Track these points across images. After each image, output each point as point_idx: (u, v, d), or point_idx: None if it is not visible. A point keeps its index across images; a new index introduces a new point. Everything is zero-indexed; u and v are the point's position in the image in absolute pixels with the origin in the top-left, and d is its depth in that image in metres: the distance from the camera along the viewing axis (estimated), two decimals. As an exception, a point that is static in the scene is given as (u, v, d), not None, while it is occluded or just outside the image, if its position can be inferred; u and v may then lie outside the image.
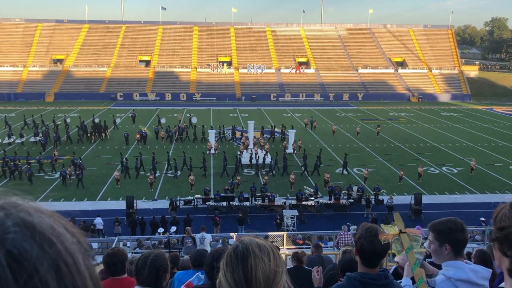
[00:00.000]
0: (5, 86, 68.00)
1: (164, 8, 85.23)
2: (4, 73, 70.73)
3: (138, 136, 38.65)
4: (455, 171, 32.01)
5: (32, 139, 38.44)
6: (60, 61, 74.94)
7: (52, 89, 68.35)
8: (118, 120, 47.23)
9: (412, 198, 24.16)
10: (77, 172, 27.97)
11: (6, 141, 37.85)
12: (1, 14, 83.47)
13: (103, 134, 40.64)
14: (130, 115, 50.78)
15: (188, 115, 48.92)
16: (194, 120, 45.29)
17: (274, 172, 30.57)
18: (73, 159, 30.21)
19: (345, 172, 30.71)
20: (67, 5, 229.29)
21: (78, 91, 68.14)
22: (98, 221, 20.66)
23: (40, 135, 38.57)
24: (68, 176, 28.48)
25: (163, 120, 45.13)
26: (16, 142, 37.80)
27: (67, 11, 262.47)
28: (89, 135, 39.91)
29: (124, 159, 29.97)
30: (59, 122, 44.76)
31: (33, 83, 69.49)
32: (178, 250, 14.73)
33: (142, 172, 29.96)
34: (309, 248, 14.21)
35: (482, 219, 20.27)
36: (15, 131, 40.59)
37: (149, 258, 3.33)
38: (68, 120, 43.89)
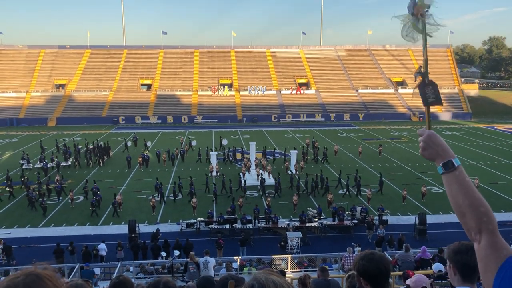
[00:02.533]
0: (8, 112, 68.47)
1: (165, 33, 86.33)
2: (7, 99, 71.30)
3: (140, 159, 38.67)
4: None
5: (63, 163, 38.55)
6: (63, 86, 75.60)
7: (55, 114, 68.75)
8: (148, 144, 47.32)
9: (417, 218, 23.96)
10: (93, 199, 27.71)
11: (37, 165, 37.92)
12: (4, 41, 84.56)
13: (104, 157, 40.62)
14: (132, 138, 50.94)
15: (189, 137, 49.17)
16: (194, 143, 45.66)
17: (279, 193, 30.40)
18: (93, 187, 29.73)
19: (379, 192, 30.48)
20: (69, 31, 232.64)
21: (80, 116, 68.51)
22: (102, 247, 20.46)
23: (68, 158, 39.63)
24: (70, 201, 28.39)
25: (148, 143, 46.20)
26: (48, 166, 37.68)
27: (70, 37, 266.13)
28: (96, 157, 40.31)
29: (159, 184, 29.77)
30: (80, 146, 44.87)
31: (36, 108, 69.96)
32: (181, 275, 14.55)
33: (180, 197, 29.56)
34: (314, 270, 14.02)
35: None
36: (47, 156, 40.93)
37: (160, 284, 3.27)
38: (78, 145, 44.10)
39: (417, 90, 2.18)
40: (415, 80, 2.17)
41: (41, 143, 45.38)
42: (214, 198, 28.89)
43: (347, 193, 30.55)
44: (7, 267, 18.24)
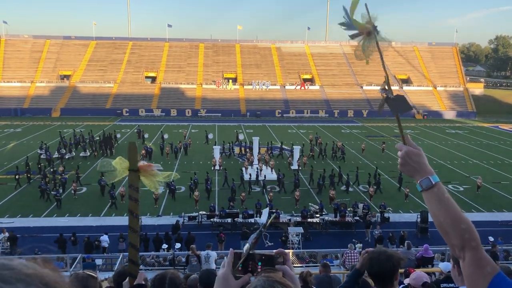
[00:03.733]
0: (13, 102, 68.68)
1: (170, 26, 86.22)
2: (12, 88, 71.48)
3: (143, 152, 38.73)
4: (461, 188, 31.79)
5: (82, 154, 39.39)
6: (67, 77, 75.69)
7: (59, 105, 68.90)
8: (146, 136, 47.11)
9: (418, 216, 23.95)
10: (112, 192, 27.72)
11: (56, 155, 38.25)
12: (10, 31, 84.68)
13: (108, 150, 40.70)
14: (135, 130, 50.98)
15: (205, 131, 48.97)
16: (210, 136, 45.57)
17: (284, 188, 30.40)
18: (100, 180, 29.44)
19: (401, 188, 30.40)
20: (75, 22, 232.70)
21: (84, 107, 68.63)
22: (105, 239, 20.56)
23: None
24: (73, 192, 28.53)
25: (165, 136, 45.37)
26: (66, 157, 38.22)
27: (75, 28, 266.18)
28: (101, 148, 40.60)
29: (196, 177, 29.63)
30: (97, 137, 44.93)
31: (40, 98, 70.13)
32: (183, 267, 14.62)
33: (197, 193, 28.43)
34: (315, 266, 14.06)
35: (491, 238, 20.02)
36: (52, 147, 40.84)
37: (166, 277, 3.29)
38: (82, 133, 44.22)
39: (383, 105, 2.08)
40: (382, 96, 2.12)
41: (61, 134, 45.47)
42: (207, 194, 28.69)
43: (349, 189, 30.57)
44: (11, 256, 18.34)
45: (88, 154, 39.67)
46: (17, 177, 30.52)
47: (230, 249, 1.79)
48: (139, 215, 2.06)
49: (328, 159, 39.68)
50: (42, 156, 37.26)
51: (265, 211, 1.67)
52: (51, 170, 32.99)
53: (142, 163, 2.05)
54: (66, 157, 38.41)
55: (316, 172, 32.52)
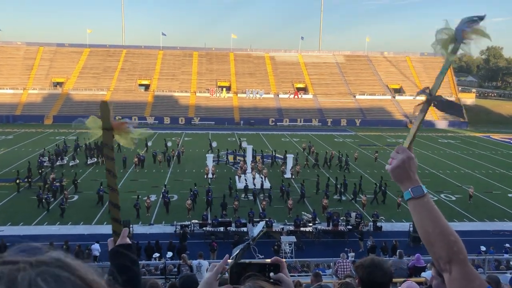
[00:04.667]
0: (5, 109, 68.20)
1: (164, 34, 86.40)
2: (4, 95, 71.02)
3: (136, 159, 38.58)
4: (454, 198, 31.94)
5: (89, 161, 39.12)
6: (60, 84, 75.38)
7: (51, 112, 68.53)
8: (169, 144, 46.31)
9: (411, 225, 23.99)
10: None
11: (58, 163, 38.45)
12: (3, 37, 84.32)
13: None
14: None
15: (208, 139, 48.83)
16: (214, 144, 45.49)
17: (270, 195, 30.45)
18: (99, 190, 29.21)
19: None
20: (68, 29, 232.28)
21: (77, 114, 68.19)
22: (95, 247, 20.38)
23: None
24: (65, 200, 28.30)
25: (169, 144, 45.48)
26: (70, 164, 38.21)
27: (69, 35, 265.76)
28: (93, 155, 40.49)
29: (195, 188, 29.23)
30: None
31: (33, 105, 69.73)
32: (174, 277, 14.51)
33: (189, 201, 27.88)
34: (307, 275, 14.02)
35: (483, 248, 20.10)
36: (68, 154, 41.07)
37: (146, 285, 3.27)
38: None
39: (419, 106, 2.07)
40: (419, 96, 2.08)
41: (65, 141, 45.21)
42: (206, 205, 28.18)
43: (341, 198, 30.61)
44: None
45: (78, 162, 39.15)
46: (18, 181, 30.77)
47: (226, 255, 1.80)
48: (116, 173, 2.07)
49: (321, 168, 39.74)
50: (46, 164, 37.18)
51: (260, 225, 1.65)
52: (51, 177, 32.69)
53: (115, 121, 2.04)
54: (71, 164, 38.32)
55: (309, 181, 32.55)
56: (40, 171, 35.08)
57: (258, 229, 1.90)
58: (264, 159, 41.09)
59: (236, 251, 1.75)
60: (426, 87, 2.06)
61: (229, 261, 1.74)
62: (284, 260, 1.77)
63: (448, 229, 1.77)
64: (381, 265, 3.00)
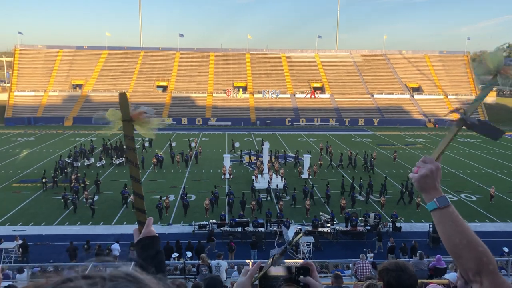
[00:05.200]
0: (27, 111, 69.60)
1: (181, 35, 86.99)
2: (25, 97, 72.48)
3: (154, 160, 38.94)
4: (474, 198, 31.40)
5: (117, 161, 39.82)
6: (80, 86, 76.59)
7: (71, 114, 69.66)
8: (193, 144, 47.00)
9: (431, 226, 23.68)
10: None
11: (86, 163, 39.21)
12: (24, 41, 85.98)
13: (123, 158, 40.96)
14: (146, 139, 51.32)
15: (231, 140, 49.04)
16: (237, 144, 45.68)
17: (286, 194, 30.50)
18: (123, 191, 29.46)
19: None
20: (87, 32, 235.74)
21: (96, 116, 69.13)
22: (115, 247, 20.65)
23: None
24: (85, 200, 28.69)
25: (193, 144, 46.29)
26: (97, 165, 38.81)
27: (88, 38, 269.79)
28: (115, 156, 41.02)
29: (216, 191, 29.24)
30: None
31: (53, 107, 71.00)
32: (194, 277, 14.61)
33: (207, 201, 28.00)
34: (326, 276, 13.96)
35: (505, 249, 19.73)
36: (95, 155, 41.55)
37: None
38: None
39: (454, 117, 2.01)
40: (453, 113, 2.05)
41: (92, 143, 46.02)
42: (228, 207, 28.01)
43: (361, 198, 30.37)
44: (22, 264, 18.50)
45: (92, 162, 39.64)
46: (44, 180, 31.73)
47: (259, 261, 1.82)
48: (139, 164, 2.09)
49: (339, 169, 39.50)
50: (74, 164, 37.93)
51: (292, 228, 1.65)
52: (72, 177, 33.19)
53: (134, 112, 2.06)
54: (98, 165, 38.87)
55: (326, 182, 32.35)
56: (65, 170, 35.98)
57: (292, 231, 1.91)
58: (280, 159, 41.02)
59: (272, 255, 1.78)
60: (461, 108, 2.03)
61: (267, 263, 1.77)
62: (313, 263, 1.79)
63: (475, 239, 1.74)
64: (407, 268, 2.98)
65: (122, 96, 2.01)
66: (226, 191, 29.55)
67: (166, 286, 1.02)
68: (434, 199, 1.84)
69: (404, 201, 29.67)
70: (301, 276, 1.72)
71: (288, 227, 23.90)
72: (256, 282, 1.72)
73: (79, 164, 38.94)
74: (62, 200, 28.40)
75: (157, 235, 2.03)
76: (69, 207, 28.00)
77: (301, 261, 1.80)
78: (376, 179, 33.69)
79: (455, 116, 2.02)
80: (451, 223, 1.78)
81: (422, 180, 1.88)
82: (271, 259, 1.76)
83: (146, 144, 47.19)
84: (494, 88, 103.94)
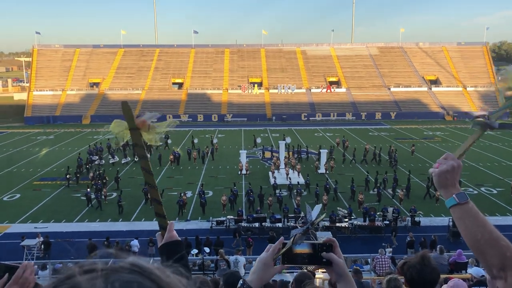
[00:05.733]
0: (45, 110, 70.71)
1: (196, 32, 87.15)
2: (44, 97, 73.61)
3: (171, 157, 39.21)
4: (495, 191, 30.87)
5: (137, 159, 39.69)
6: (97, 84, 77.44)
7: (89, 112, 70.54)
8: (215, 141, 46.95)
9: (451, 220, 23.35)
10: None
11: (112, 160, 39.64)
12: (42, 41, 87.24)
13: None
14: (167, 136, 51.70)
15: (253, 135, 49.16)
16: (259, 140, 45.74)
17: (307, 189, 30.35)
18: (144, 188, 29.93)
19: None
20: (103, 31, 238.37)
21: (113, 113, 69.84)
22: (134, 243, 20.89)
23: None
24: (103, 197, 29.02)
25: (215, 140, 46.38)
26: (122, 162, 39.34)
27: (104, 37, 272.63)
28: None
29: (235, 188, 29.13)
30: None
31: (71, 106, 71.98)
32: (212, 272, 14.69)
33: (225, 197, 28.11)
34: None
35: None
36: (118, 152, 41.83)
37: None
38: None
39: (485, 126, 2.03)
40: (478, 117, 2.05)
41: (109, 140, 46.70)
42: (248, 204, 27.74)
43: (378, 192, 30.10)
44: (45, 261, 18.85)
45: (117, 160, 40.17)
46: (68, 176, 32.56)
47: (282, 237, 1.88)
48: (152, 171, 2.08)
49: (357, 163, 39.22)
50: (96, 162, 38.62)
51: (317, 208, 1.63)
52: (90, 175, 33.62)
53: (138, 119, 2.05)
54: (122, 162, 39.34)
55: (343, 176, 32.17)
56: (87, 167, 36.57)
57: (315, 212, 1.91)
58: (301, 154, 40.87)
59: (294, 235, 1.81)
60: (486, 114, 2.03)
61: (289, 242, 1.82)
62: (336, 240, 1.83)
63: (497, 234, 1.72)
64: (429, 262, 2.93)
65: (124, 105, 2.00)
66: (246, 189, 29.33)
67: (177, 274, 0.96)
68: (453, 195, 1.83)
69: (430, 196, 29.29)
70: (324, 253, 1.77)
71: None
72: (279, 258, 1.78)
73: (103, 161, 39.41)
74: (85, 198, 28.74)
75: (180, 239, 2.03)
76: (94, 206, 28.31)
77: (325, 238, 1.83)
78: (392, 173, 33.33)
79: (479, 120, 2.04)
80: (471, 218, 1.77)
81: (443, 175, 1.88)
82: (292, 238, 1.78)
83: (169, 141, 47.35)
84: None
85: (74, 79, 77.75)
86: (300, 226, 1.92)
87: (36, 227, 24.79)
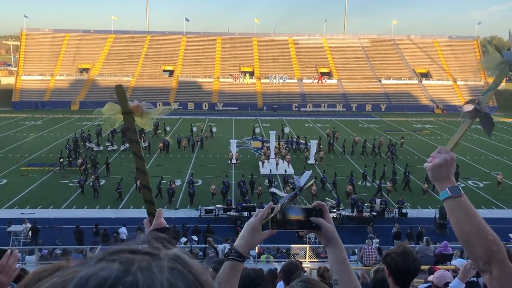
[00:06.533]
0: (34, 95, 69.84)
1: (187, 20, 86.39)
2: (33, 81, 72.66)
3: (161, 145, 39.04)
4: (481, 185, 31.27)
5: (122, 147, 39.28)
6: (86, 70, 76.59)
7: (78, 98, 69.82)
8: (214, 130, 47.37)
9: (437, 212, 23.66)
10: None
11: (110, 148, 39.16)
12: (30, 25, 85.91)
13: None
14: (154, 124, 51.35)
15: (253, 125, 48.99)
16: (257, 130, 45.71)
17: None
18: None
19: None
20: (94, 16, 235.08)
21: (103, 100, 69.07)
22: (123, 231, 20.84)
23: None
24: (91, 184, 28.82)
25: (214, 129, 46.65)
26: (108, 149, 38.83)
27: (94, 22, 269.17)
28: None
29: (227, 180, 28.61)
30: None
31: (60, 91, 71.16)
32: (200, 261, 14.73)
33: (214, 186, 27.90)
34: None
35: None
36: (103, 140, 41.41)
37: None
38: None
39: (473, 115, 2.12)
40: (466, 106, 2.12)
41: (98, 127, 46.31)
42: (242, 197, 26.81)
43: (366, 184, 30.34)
44: (32, 246, 18.77)
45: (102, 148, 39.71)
46: (61, 160, 32.87)
47: (270, 202, 1.88)
48: (143, 156, 2.07)
49: (346, 155, 39.40)
50: (95, 149, 38.55)
51: (306, 174, 1.61)
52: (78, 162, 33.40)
53: (133, 104, 2.03)
54: (95, 149, 38.92)
55: (333, 167, 32.27)
56: (79, 151, 36.67)
57: (304, 178, 1.91)
58: (292, 145, 40.95)
59: (282, 201, 1.82)
60: (475, 98, 2.13)
61: (276, 207, 1.85)
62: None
63: (485, 228, 1.76)
64: (412, 252, 2.99)
65: (119, 88, 1.97)
66: (238, 181, 28.92)
67: (210, 274, 0.90)
68: (447, 188, 1.85)
69: (410, 188, 29.56)
70: (313, 217, 1.79)
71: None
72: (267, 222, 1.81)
73: (101, 147, 39.25)
74: (79, 185, 28.54)
75: (168, 226, 2.01)
76: (85, 192, 28.11)
77: (314, 203, 1.86)
78: (382, 165, 33.55)
79: (469, 107, 2.11)
80: (462, 212, 1.80)
81: (436, 169, 1.91)
82: (280, 205, 1.79)
83: (168, 128, 47.24)
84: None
85: (64, 64, 76.76)
86: (288, 192, 1.94)
87: (23, 213, 24.60)
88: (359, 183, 30.63)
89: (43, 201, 26.96)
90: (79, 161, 33.10)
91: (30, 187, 29.40)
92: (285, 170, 31.47)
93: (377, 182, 29.54)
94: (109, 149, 38.92)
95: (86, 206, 26.32)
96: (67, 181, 30.61)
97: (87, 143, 40.00)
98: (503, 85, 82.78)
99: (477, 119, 2.12)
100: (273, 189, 23.32)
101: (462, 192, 1.85)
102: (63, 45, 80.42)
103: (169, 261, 0.82)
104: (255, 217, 1.84)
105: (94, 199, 27.29)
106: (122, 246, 0.86)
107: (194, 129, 46.29)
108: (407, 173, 30.34)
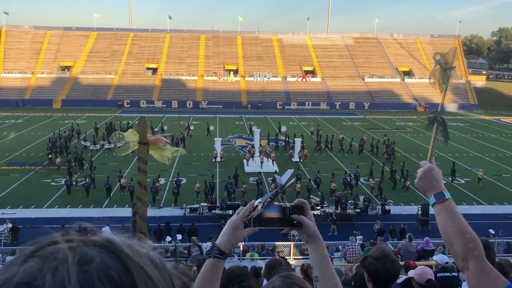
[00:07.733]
0: (14, 93, 68.60)
1: (170, 17, 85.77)
2: (13, 79, 71.38)
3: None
4: (462, 181, 31.78)
5: (106, 146, 38.69)
6: (68, 68, 75.50)
7: (60, 96, 68.82)
8: (212, 128, 46.88)
9: (419, 209, 23.98)
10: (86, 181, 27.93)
11: (107, 146, 38.49)
12: (10, 21, 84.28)
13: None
14: (136, 122, 50.97)
15: (249, 123, 48.71)
16: (254, 128, 45.46)
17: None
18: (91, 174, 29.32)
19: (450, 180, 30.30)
20: (75, 13, 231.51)
21: (85, 98, 68.50)
22: (106, 230, 20.31)
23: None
24: (74, 183, 28.51)
25: (211, 128, 46.38)
26: (91, 148, 38.40)
27: (76, 19, 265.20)
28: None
29: (212, 180, 28.26)
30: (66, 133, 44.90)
31: (41, 89, 70.02)
32: (185, 259, 14.69)
33: (198, 184, 27.87)
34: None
35: (491, 231, 20.08)
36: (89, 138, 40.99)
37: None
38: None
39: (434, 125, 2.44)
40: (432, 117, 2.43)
41: (78, 126, 45.71)
42: (228, 198, 26.60)
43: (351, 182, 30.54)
44: (13, 247, 18.48)
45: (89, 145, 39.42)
46: (50, 156, 33.59)
47: (253, 200, 1.90)
48: (147, 187, 2.09)
49: (329, 152, 39.63)
50: (91, 148, 38.32)
51: (288, 172, 1.62)
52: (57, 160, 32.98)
53: (152, 137, 2.08)
54: (91, 148, 38.63)
55: (317, 165, 32.42)
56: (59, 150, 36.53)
57: (286, 176, 1.93)
58: (271, 143, 41.00)
59: (264, 199, 1.83)
60: (433, 110, 2.49)
61: (258, 207, 1.84)
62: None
63: (465, 227, 1.89)
64: (390, 254, 2.95)
65: (142, 120, 2.03)
66: (225, 183, 28.31)
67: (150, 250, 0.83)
68: (432, 195, 2.05)
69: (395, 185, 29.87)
70: (295, 215, 1.81)
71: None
72: (248, 221, 1.82)
73: (98, 146, 38.97)
74: (65, 185, 28.17)
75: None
76: (72, 191, 27.82)
77: (295, 201, 1.88)
78: (365, 162, 33.86)
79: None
80: (445, 214, 1.95)
81: (419, 182, 2.14)
82: (262, 203, 1.81)
83: (165, 127, 47.18)
84: (484, 72, 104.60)
85: (45, 62, 75.55)
86: (270, 190, 1.96)
87: (4, 213, 24.19)
88: (357, 183, 30.28)
89: (25, 200, 26.55)
90: (58, 160, 32.66)
91: (11, 187, 28.91)
92: (276, 171, 31.15)
93: (378, 182, 29.10)
94: (91, 148, 38.51)
95: (69, 206, 26.00)
96: (49, 180, 30.19)
97: (82, 142, 39.35)
98: (483, 83, 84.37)
99: (440, 127, 2.40)
100: (276, 176, 23.25)
101: (447, 197, 2.00)
102: (44, 43, 79.14)
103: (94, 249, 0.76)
104: (237, 215, 1.85)
105: (85, 198, 26.98)
106: (47, 240, 0.79)
107: (211, 127, 46.18)
108: (395, 171, 30.74)
